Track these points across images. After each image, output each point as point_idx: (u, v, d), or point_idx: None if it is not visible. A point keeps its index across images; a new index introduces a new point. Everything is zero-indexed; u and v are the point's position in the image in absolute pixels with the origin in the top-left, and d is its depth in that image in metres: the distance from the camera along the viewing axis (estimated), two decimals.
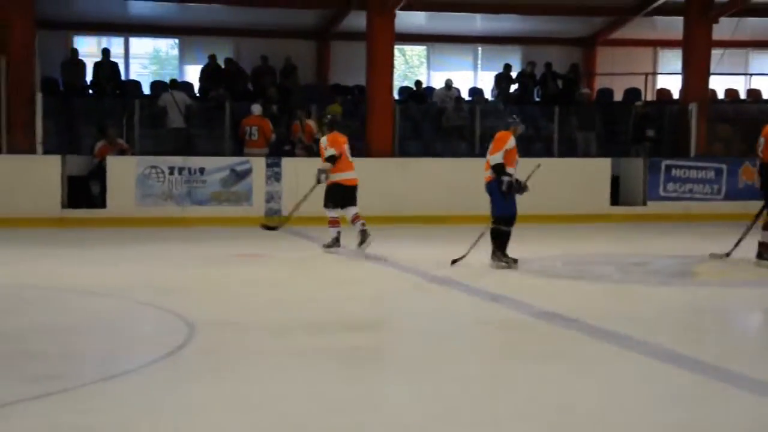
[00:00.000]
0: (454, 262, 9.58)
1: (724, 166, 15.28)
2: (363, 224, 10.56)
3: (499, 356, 5.97)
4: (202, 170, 13.87)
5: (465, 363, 5.77)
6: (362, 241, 10.55)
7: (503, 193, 9.34)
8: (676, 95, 18.50)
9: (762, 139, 9.76)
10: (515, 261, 9.50)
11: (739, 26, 18.89)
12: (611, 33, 19.92)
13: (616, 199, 15.27)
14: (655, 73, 20.49)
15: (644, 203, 15.08)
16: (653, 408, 4.83)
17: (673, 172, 15.19)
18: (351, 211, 10.61)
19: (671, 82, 19.33)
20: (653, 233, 13.35)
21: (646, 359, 5.84)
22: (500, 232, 9.48)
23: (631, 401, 4.95)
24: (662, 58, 20.80)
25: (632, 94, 19.36)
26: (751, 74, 20.45)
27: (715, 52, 18.51)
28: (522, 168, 9.66)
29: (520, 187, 9.52)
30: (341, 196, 10.59)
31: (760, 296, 8.48)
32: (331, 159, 10.51)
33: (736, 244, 10.24)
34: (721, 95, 19.61)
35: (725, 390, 5.19)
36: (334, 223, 10.69)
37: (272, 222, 12.18)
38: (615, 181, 15.33)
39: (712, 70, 17.62)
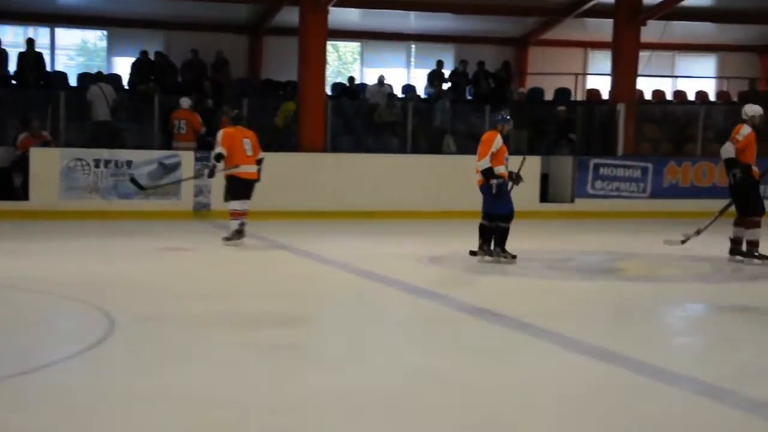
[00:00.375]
0: (473, 253, 9.70)
1: (650, 165, 15.51)
2: (242, 224, 10.60)
3: (425, 351, 5.93)
4: (129, 163, 13.61)
5: (391, 358, 5.73)
6: (230, 238, 10.60)
7: (494, 194, 9.47)
8: (605, 95, 18.72)
9: (730, 142, 9.88)
10: (514, 257, 9.58)
11: (667, 29, 19.20)
12: (543, 33, 20.09)
13: (545, 196, 15.39)
14: (584, 74, 20.73)
15: (572, 201, 15.23)
16: (577, 402, 4.84)
17: (601, 170, 15.37)
18: (243, 206, 10.63)
19: (601, 83, 19.57)
20: (581, 230, 13.49)
21: (570, 354, 5.87)
22: (498, 229, 9.58)
23: (555, 395, 4.96)
24: (592, 59, 21.05)
25: (563, 93, 19.56)
26: (677, 76, 20.80)
27: (643, 54, 18.79)
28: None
29: (515, 179, 9.72)
30: (238, 188, 10.60)
31: (684, 291, 8.60)
32: (218, 157, 10.60)
33: (696, 233, 10.35)
34: (648, 96, 19.92)
35: (647, 384, 5.23)
36: (236, 215, 10.65)
37: (141, 183, 12.10)
38: (544, 179, 15.46)
39: (639, 72, 17.86)
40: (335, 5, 15.18)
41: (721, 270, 9.56)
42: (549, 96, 19.61)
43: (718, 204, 15.08)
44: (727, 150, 9.90)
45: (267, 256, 10.24)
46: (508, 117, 9.71)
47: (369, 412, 4.58)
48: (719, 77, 20.83)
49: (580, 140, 16.83)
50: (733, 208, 10.16)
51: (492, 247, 9.63)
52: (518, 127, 16.90)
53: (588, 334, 6.44)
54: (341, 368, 5.42)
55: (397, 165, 14.78)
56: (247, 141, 10.72)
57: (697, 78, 20.67)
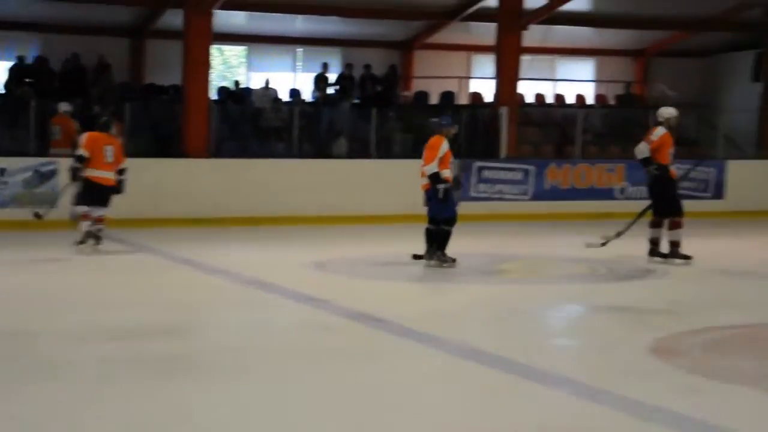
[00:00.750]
0: (416, 257, 9.64)
1: (531, 168, 15.74)
2: (99, 230, 10.44)
3: (309, 359, 5.85)
4: (2, 171, 13.08)
5: (275, 367, 5.62)
6: (82, 242, 10.41)
7: (440, 199, 9.49)
8: (488, 99, 18.93)
9: (645, 142, 10.07)
10: (454, 260, 9.58)
11: (548, 34, 19.59)
12: (428, 37, 20.21)
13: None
14: (468, 77, 20.94)
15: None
16: (457, 405, 4.83)
17: (484, 173, 15.53)
18: (95, 212, 10.45)
19: (484, 86, 19.80)
20: (463, 232, 13.55)
21: (452, 357, 5.88)
22: (442, 232, 9.60)
23: (438, 398, 4.95)
24: (476, 63, 21.28)
25: (447, 97, 19.72)
26: (558, 80, 21.22)
27: (525, 58, 19.08)
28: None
29: (458, 184, 9.77)
30: (91, 194, 10.46)
31: (562, 292, 8.73)
32: (80, 159, 10.49)
33: (616, 235, 10.51)
34: (530, 99, 20.25)
35: (528, 386, 5.27)
36: (86, 218, 10.46)
37: (41, 210, 11.66)
38: None
39: (521, 76, 18.13)
40: (220, 8, 14.94)
41: (596, 271, 9.75)
42: (434, 99, 19.74)
43: (598, 205, 15.53)
44: (642, 150, 10.11)
45: (146, 264, 9.97)
46: (451, 121, 9.80)
47: (253, 423, 4.47)
48: (597, 81, 21.34)
49: (464, 143, 17.00)
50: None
51: (428, 251, 9.67)
52: (404, 131, 17.03)
53: (469, 337, 6.47)
54: (223, 379, 5.28)
55: (282, 169, 14.62)
56: (110, 148, 10.58)
57: (576, 81, 21.12)
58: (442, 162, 9.53)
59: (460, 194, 9.87)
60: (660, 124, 10.15)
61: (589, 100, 20.83)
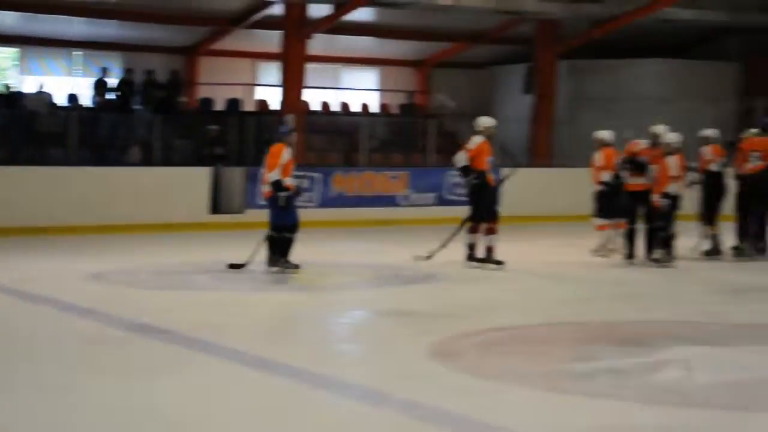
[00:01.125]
0: (232, 267, 9.64)
1: (318, 175, 15.86)
2: None
3: (83, 375, 5.60)
4: None
5: (43, 385, 5.35)
6: None
7: (282, 206, 9.57)
8: (274, 106, 18.92)
9: (463, 151, 10.24)
10: (297, 266, 9.64)
11: (332, 43, 19.83)
12: (213, 43, 19.94)
13: (216, 207, 15.27)
14: (254, 85, 20.84)
15: (243, 211, 15.24)
16: (247, 416, 4.77)
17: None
18: None
19: (270, 94, 19.76)
20: (251, 239, 13.48)
21: (240, 367, 5.82)
22: (284, 239, 9.67)
23: (226, 411, 4.87)
24: (261, 70, 21.21)
25: (233, 104, 19.54)
26: (342, 89, 21.49)
27: (310, 66, 19.22)
28: None
29: (299, 192, 10.00)
30: None
31: (347, 298, 8.86)
32: None
33: (441, 247, 10.66)
34: (315, 107, 20.41)
35: (315, 394, 5.28)
36: None
37: None
38: (215, 190, 15.33)
39: (307, 84, 18.25)
40: None
41: (381, 276, 9.94)
42: (220, 106, 19.52)
43: (383, 212, 15.82)
44: (460, 158, 10.35)
45: None
46: (293, 128, 10.00)
47: None
48: (381, 90, 21.78)
49: (251, 151, 16.91)
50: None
51: (271, 259, 9.71)
52: (185, 137, 16.73)
53: (257, 346, 6.43)
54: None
55: (58, 177, 13.99)
56: None
57: (360, 90, 21.47)
58: (285, 170, 9.60)
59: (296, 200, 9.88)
60: (479, 133, 10.49)
61: (374, 108, 21.24)
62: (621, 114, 18.47)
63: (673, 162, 10.36)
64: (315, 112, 19.91)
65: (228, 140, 17.13)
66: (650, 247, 10.53)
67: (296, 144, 16.54)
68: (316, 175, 15.81)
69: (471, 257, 10.44)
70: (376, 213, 15.58)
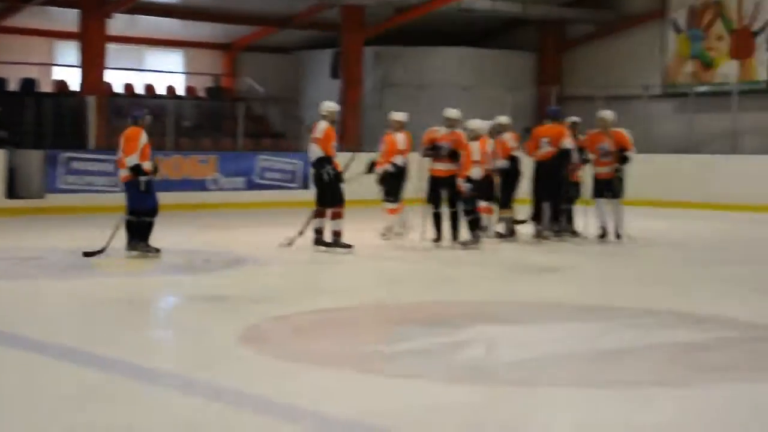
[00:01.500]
0: (87, 254, 9.42)
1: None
2: None
3: None
4: None
5: None
6: None
7: (142, 191, 9.56)
8: (74, 87, 18.23)
9: (313, 143, 10.24)
10: (158, 250, 9.66)
11: (134, 23, 19.27)
12: (4, 20, 18.94)
13: (12, 191, 14.59)
14: (51, 64, 19.98)
15: (43, 196, 14.63)
16: (53, 409, 4.62)
17: (73, 164, 14.96)
18: None
19: (69, 74, 19.00)
20: (52, 226, 13.01)
21: (42, 358, 5.63)
22: (143, 224, 9.65)
23: (31, 404, 4.69)
24: (59, 50, 20.36)
25: (29, 84, 18.67)
26: (147, 71, 20.95)
27: (112, 47, 18.62)
28: None
29: (156, 172, 9.76)
30: None
31: (159, 284, 8.70)
32: None
33: (299, 234, 10.56)
34: (119, 89, 19.81)
35: (125, 383, 5.17)
36: None
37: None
38: (11, 174, 14.65)
39: (108, 65, 17.69)
40: None
41: (192, 262, 9.82)
42: (14, 86, 18.58)
43: (192, 196, 15.59)
44: (314, 151, 10.24)
45: None
46: (147, 111, 9.81)
47: None
48: (187, 73, 21.39)
49: (50, 134, 16.25)
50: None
51: (130, 242, 9.63)
52: None
53: (58, 336, 6.22)
54: None
55: None
56: None
57: (166, 73, 20.99)
58: (143, 154, 9.48)
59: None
60: (324, 117, 10.42)
61: (180, 91, 20.82)
62: (426, 100, 18.99)
63: (476, 147, 10.76)
64: (118, 95, 19.32)
65: (22, 122, 16.36)
66: (455, 230, 10.90)
67: (100, 126, 16.29)
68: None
69: (319, 241, 10.51)
70: (185, 197, 15.33)
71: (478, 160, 10.71)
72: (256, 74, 21.00)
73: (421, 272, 9.58)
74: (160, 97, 20.00)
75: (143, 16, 19.15)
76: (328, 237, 10.46)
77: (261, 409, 4.72)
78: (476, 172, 10.70)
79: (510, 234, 11.64)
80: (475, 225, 10.82)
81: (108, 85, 18.72)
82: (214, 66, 21.73)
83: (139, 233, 9.69)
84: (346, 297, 8.04)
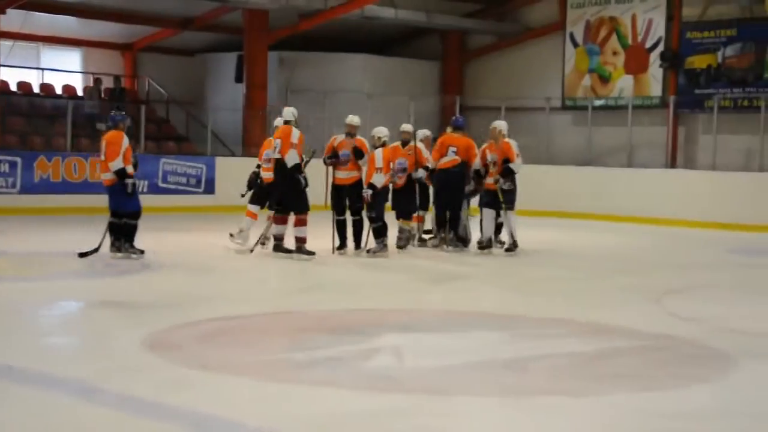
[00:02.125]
0: (82, 255, 9.62)
1: (18, 160, 15.05)
2: None
3: None
4: None
5: None
6: None
7: (129, 193, 9.77)
8: None
9: (290, 148, 10.10)
10: (143, 252, 9.91)
11: (30, 20, 18.78)
12: None
13: None
14: None
15: None
16: None
17: None
18: None
19: None
20: None
21: None
22: (128, 226, 9.89)
23: None
24: None
25: None
26: (44, 69, 20.43)
27: (6, 44, 18.16)
28: None
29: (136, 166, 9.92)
30: None
31: (56, 289, 8.50)
32: None
33: (259, 241, 10.68)
34: (14, 88, 19.26)
35: (25, 391, 5.07)
36: None
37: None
38: None
39: (2, 62, 17.24)
40: None
41: (92, 267, 9.64)
42: None
43: (92, 199, 15.10)
44: (293, 157, 10.13)
45: None
46: (125, 115, 9.89)
47: None
48: (85, 72, 20.92)
49: None
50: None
51: (114, 244, 9.82)
52: None
53: None
54: None
55: None
56: None
57: (63, 72, 20.49)
58: (125, 157, 9.63)
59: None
60: (288, 122, 10.31)
61: (79, 91, 20.34)
62: (330, 106, 19.04)
63: (379, 155, 10.83)
64: (13, 93, 18.81)
65: None
66: (358, 238, 10.95)
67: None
68: (16, 159, 14.98)
69: (279, 248, 10.52)
70: (85, 200, 15.00)
71: (381, 167, 10.78)
72: (158, 76, 20.71)
73: (330, 280, 9.61)
74: (59, 96, 19.46)
75: (39, 13, 18.68)
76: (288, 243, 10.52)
77: (164, 417, 4.67)
78: (378, 179, 10.78)
79: (408, 242, 11.64)
80: (379, 233, 10.90)
81: (4, 84, 18.23)
82: (114, 66, 21.33)
83: (123, 235, 9.92)
84: (254, 304, 8.00)
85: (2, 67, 17.24)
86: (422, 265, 10.68)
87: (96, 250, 9.78)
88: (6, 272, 9.20)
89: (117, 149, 9.68)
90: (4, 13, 16.58)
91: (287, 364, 5.91)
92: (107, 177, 9.85)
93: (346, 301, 8.37)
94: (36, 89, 19.74)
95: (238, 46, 19.86)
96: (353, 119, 11.05)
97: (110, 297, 8.07)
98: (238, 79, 19.86)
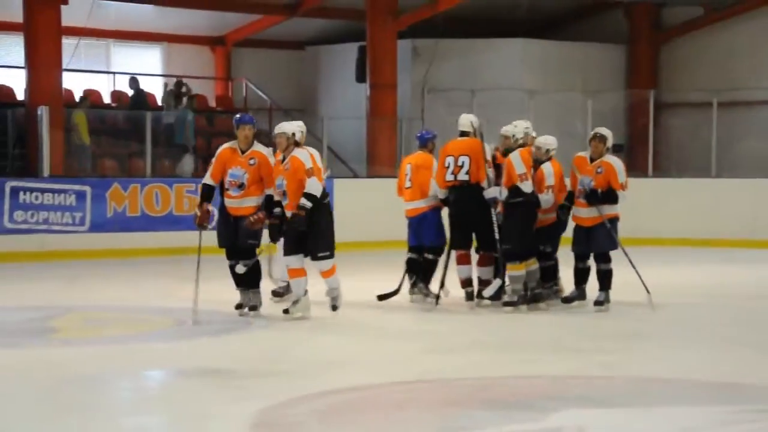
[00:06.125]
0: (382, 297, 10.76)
1: (88, 189, 15.52)
2: None
3: None
4: None
5: None
6: None
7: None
8: (21, 95, 18.40)
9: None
10: (438, 297, 10.69)
11: (98, 12, 19.22)
12: None
13: None
14: None
15: None
16: None
17: (23, 197, 15.06)
18: None
19: (13, 78, 19.20)
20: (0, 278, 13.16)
21: None
22: (428, 262, 11.04)
23: None
24: (1, 46, 20.62)
25: None
26: (115, 72, 21.02)
27: (69, 42, 18.73)
28: None
29: None
30: None
31: (139, 353, 8.74)
32: None
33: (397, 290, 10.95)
34: (78, 97, 19.93)
35: None
36: None
37: None
38: None
39: (66, 65, 17.81)
40: None
41: (182, 324, 9.89)
42: None
43: (181, 237, 15.38)
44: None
45: None
46: None
47: None
48: (167, 75, 21.26)
49: None
50: None
51: None
52: None
53: (12, 422, 6.33)
54: None
55: None
56: None
57: (139, 75, 20.83)
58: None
59: None
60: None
61: (160, 101, 20.73)
62: (479, 109, 19.00)
63: (548, 170, 10.72)
64: (78, 104, 19.46)
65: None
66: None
67: (56, 146, 16.34)
68: (85, 188, 15.49)
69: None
70: (170, 239, 15.36)
71: (551, 185, 10.66)
72: (258, 77, 21.07)
73: (471, 336, 9.65)
74: (139, 107, 19.70)
75: (109, 2, 19.27)
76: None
77: None
78: (547, 199, 10.63)
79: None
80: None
81: (68, 92, 18.85)
82: (203, 66, 21.84)
83: (422, 272, 10.96)
84: (387, 370, 8.09)
85: (65, 72, 17.77)
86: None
87: (397, 291, 10.89)
88: (75, 333, 9.51)
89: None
90: (65, 2, 17.16)
91: None
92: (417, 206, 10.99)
93: (502, 364, 8.40)
94: (106, 98, 20.35)
95: (360, 34, 20.04)
96: (507, 129, 11.04)
97: (207, 363, 8.26)
98: (360, 77, 20.02)
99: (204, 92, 21.41)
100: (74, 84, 19.62)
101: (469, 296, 11.03)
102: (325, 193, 10.06)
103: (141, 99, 19.48)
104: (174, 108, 19.00)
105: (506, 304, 10.66)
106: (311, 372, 7.93)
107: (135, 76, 19.98)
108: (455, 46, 20.80)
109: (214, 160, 10.20)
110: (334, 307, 10.21)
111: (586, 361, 8.56)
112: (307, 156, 9.94)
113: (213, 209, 10.12)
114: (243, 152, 10.08)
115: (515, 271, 10.63)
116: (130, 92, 19.78)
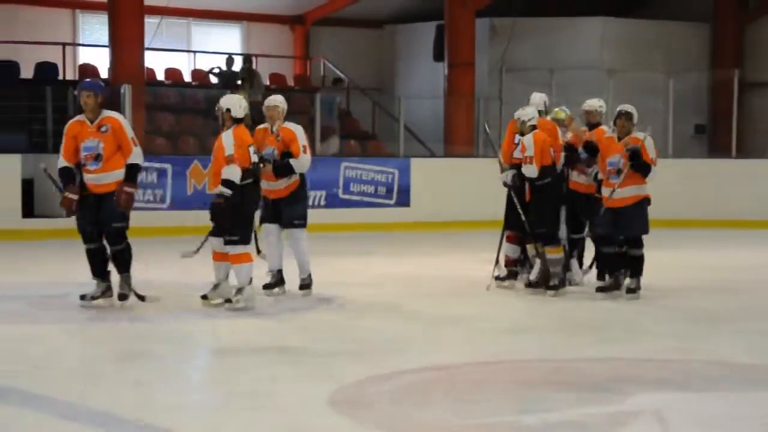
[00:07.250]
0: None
1: (168, 167, 15.69)
2: None
3: None
4: None
5: None
6: None
7: None
8: (105, 73, 18.64)
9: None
10: None
11: None
12: None
13: (30, 208, 15.05)
14: (74, 44, 20.51)
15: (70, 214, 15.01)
16: None
17: None
18: None
19: (97, 56, 19.46)
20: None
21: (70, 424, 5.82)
22: None
23: None
24: (85, 25, 20.89)
25: (47, 70, 19.17)
26: (195, 51, 21.26)
27: (152, 21, 18.97)
28: None
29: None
30: None
31: (210, 332, 8.84)
32: None
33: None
34: (161, 76, 20.18)
35: None
36: None
37: None
38: (28, 187, 15.09)
39: (148, 44, 18.02)
40: None
41: (238, 301, 9.93)
42: (28, 73, 19.11)
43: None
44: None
45: None
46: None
47: None
48: (248, 54, 21.46)
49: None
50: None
51: None
52: None
53: (70, 390, 6.40)
54: None
55: None
56: None
57: (220, 54, 21.07)
58: None
59: None
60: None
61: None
62: (559, 88, 18.92)
63: (528, 142, 10.47)
64: (160, 83, 19.70)
65: (41, 119, 16.81)
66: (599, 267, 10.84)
67: (138, 124, 16.57)
68: (165, 166, 15.65)
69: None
70: None
71: (531, 156, 10.40)
72: (335, 56, 21.15)
73: (547, 317, 9.60)
74: (214, 86, 20.05)
75: None
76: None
77: None
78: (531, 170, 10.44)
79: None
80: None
81: (150, 71, 19.09)
82: (282, 45, 21.95)
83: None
84: (461, 350, 8.09)
85: (147, 51, 17.98)
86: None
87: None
88: (146, 311, 9.55)
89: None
90: None
91: (514, 431, 5.91)
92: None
93: (579, 345, 8.35)
94: (186, 77, 20.58)
95: (438, 13, 20.04)
96: (592, 103, 10.98)
97: (280, 342, 8.31)
98: (438, 56, 20.04)
99: (282, 71, 21.56)
100: (156, 62, 19.83)
101: (509, 275, 10.88)
102: (256, 175, 9.70)
103: (232, 78, 19.61)
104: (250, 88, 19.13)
105: (549, 288, 10.43)
106: (385, 351, 7.96)
107: (231, 55, 20.08)
108: (533, 25, 20.74)
109: (63, 137, 9.45)
110: (229, 301, 9.58)
111: (662, 344, 8.47)
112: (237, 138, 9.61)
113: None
114: (92, 122, 9.30)
115: (554, 254, 10.47)
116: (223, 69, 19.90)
